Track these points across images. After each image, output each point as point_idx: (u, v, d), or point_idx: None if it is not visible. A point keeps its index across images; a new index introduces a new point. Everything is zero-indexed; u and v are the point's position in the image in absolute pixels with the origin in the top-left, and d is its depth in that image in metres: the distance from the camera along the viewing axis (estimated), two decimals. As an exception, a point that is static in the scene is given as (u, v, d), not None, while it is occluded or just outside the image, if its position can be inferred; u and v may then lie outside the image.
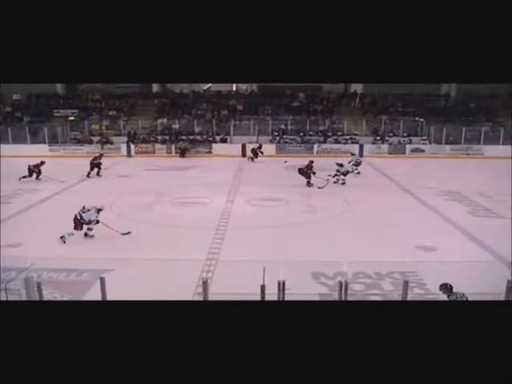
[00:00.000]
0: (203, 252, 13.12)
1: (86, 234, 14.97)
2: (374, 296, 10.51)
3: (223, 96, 41.98)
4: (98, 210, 14.95)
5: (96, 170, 25.65)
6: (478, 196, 21.14)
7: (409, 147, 35.49)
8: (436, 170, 29.08)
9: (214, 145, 35.20)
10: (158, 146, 35.10)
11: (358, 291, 10.68)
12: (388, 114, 39.12)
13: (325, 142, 36.05)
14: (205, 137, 36.32)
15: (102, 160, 25.97)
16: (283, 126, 37.51)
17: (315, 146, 35.30)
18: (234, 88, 44.34)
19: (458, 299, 8.32)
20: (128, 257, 12.62)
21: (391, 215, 17.58)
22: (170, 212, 18.19)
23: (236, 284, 9.91)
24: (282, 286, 7.87)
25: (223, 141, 36.22)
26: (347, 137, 36.52)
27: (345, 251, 12.85)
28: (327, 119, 38.50)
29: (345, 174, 24.00)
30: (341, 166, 24.20)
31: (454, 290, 8.40)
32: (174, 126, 37.50)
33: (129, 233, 14.91)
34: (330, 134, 36.95)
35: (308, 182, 23.42)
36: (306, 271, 11.52)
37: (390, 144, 35.87)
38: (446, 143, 35.81)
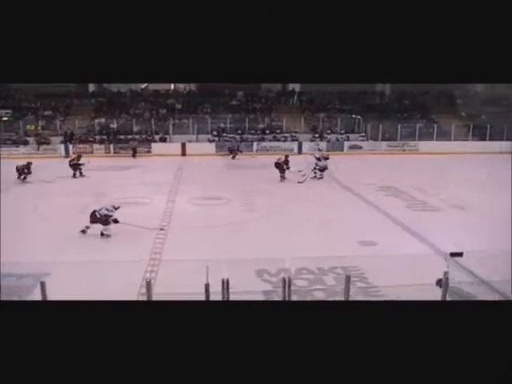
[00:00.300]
0: (146, 252, 13.01)
1: (102, 234, 14.81)
2: (318, 291, 10.65)
3: (161, 95, 41.65)
4: (115, 208, 14.92)
5: (78, 170, 25.39)
6: (415, 191, 21.66)
7: (347, 144, 36.07)
8: (374, 166, 29.61)
9: (153, 144, 34.90)
10: (96, 146, 34.56)
11: (302, 287, 10.79)
12: (326, 112, 39.61)
13: (264, 140, 36.21)
14: (144, 136, 35.96)
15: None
16: (222, 125, 37.50)
17: (254, 144, 35.46)
18: (172, 87, 44.01)
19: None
20: (68, 260, 12.39)
21: (332, 211, 17.81)
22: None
23: (180, 284, 9.84)
24: (226, 285, 7.87)
25: (163, 140, 35.95)
26: (286, 134, 36.79)
27: (287, 248, 12.93)
28: (266, 117, 38.68)
29: (322, 169, 24.52)
30: (319, 160, 24.86)
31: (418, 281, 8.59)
32: (111, 126, 36.95)
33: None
34: (268, 132, 37.13)
35: (282, 177, 23.96)
36: (249, 269, 11.54)
37: (329, 141, 36.37)
38: (382, 140, 36.60)
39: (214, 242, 13.92)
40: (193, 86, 43.17)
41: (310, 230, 15.30)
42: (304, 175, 23.46)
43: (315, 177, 24.56)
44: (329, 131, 37.65)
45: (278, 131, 37.13)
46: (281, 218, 17.07)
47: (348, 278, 8.50)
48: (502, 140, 36.71)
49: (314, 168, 24.60)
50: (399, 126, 36.95)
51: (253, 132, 37.23)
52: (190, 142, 34.84)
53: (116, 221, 14.75)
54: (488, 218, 17.43)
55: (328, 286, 10.99)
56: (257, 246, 13.50)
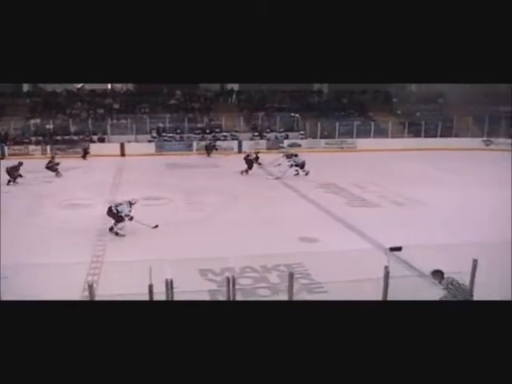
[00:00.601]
0: (87, 255, 12.81)
1: (116, 234, 14.82)
2: (262, 289, 10.71)
3: (98, 95, 40.96)
4: (131, 204, 14.89)
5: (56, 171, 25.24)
6: (354, 187, 22.02)
7: (286, 142, 36.28)
8: (313, 164, 29.86)
9: (91, 145, 34.31)
10: (32, 147, 33.68)
11: (246, 285, 10.84)
12: (264, 111, 39.76)
13: (204, 139, 36.09)
14: (81, 137, 35.29)
15: None
16: (161, 125, 37.17)
17: (194, 143, 35.33)
18: (109, 86, 43.36)
19: (450, 284, 8.62)
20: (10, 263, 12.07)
21: (273, 209, 17.94)
22: (51, 215, 17.62)
23: (123, 285, 9.75)
24: (170, 285, 7.84)
25: (101, 140, 35.39)
26: (226, 133, 36.79)
27: (230, 246, 12.98)
28: (205, 116, 38.57)
29: (301, 165, 24.95)
30: (295, 156, 25.38)
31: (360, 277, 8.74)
32: (47, 127, 36.11)
33: (156, 226, 15.12)
34: (208, 131, 37.03)
35: (246, 171, 25.32)
36: (193, 269, 11.52)
37: (268, 140, 36.53)
38: (321, 137, 37.00)
39: (156, 242, 13.82)
40: (130, 86, 42.62)
41: (252, 229, 15.36)
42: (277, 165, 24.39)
43: (297, 173, 25.02)
44: (268, 130, 37.80)
45: (217, 130, 37.08)
46: (223, 217, 17.08)
47: (291, 276, 8.57)
48: (436, 136, 37.69)
49: (292, 165, 24.93)
50: (337, 124, 37.43)
51: (193, 131, 37.02)
52: (129, 142, 34.43)
53: (131, 218, 14.84)
54: (426, 213, 17.89)
55: (272, 283, 11.07)
56: (200, 246, 13.47)
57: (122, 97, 41.05)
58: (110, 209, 14.95)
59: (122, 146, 33.88)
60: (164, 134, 36.32)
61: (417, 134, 37.95)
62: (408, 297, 8.21)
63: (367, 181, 23.11)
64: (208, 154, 33.63)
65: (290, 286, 8.47)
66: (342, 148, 36.36)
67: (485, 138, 37.90)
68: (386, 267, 8.58)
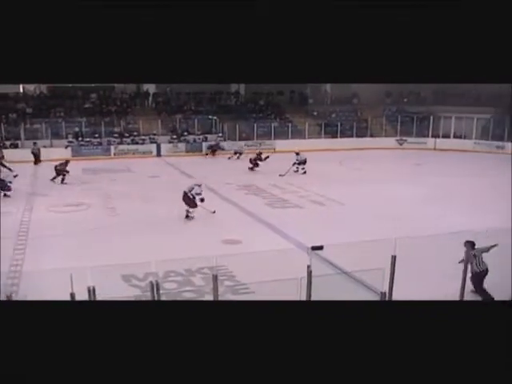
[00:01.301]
0: (4, 264, 12.39)
1: (187, 216, 16.79)
2: (187, 293, 10.68)
3: (10, 98, 39.56)
4: (199, 186, 16.63)
5: (61, 176, 24.55)
6: (274, 188, 22.26)
7: (205, 145, 36.22)
8: (233, 166, 30.04)
9: (4, 150, 33.06)
10: None
11: (171, 290, 10.77)
12: (182, 113, 39.55)
13: (121, 143, 35.56)
14: (-7, 143, 34.01)
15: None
16: (77, 129, 36.30)
17: (112, 147, 34.74)
18: (22, 90, 41.99)
19: (477, 253, 10.17)
20: None
21: (195, 212, 17.87)
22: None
23: (44, 295, 9.49)
24: (92, 292, 7.69)
25: (14, 146, 34.21)
26: (144, 137, 36.34)
27: (152, 251, 12.83)
28: (122, 120, 37.93)
29: (303, 162, 26.21)
30: (297, 154, 26.55)
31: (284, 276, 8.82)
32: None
33: (214, 212, 17.32)
34: (126, 134, 36.48)
35: (251, 169, 27.19)
36: (115, 275, 11.35)
37: (188, 142, 36.37)
38: (239, 139, 37.07)
39: (76, 249, 13.54)
40: (44, 89, 41.44)
41: (173, 231, 15.30)
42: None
43: (297, 171, 26.27)
44: (186, 133, 37.61)
45: (135, 134, 36.58)
46: (143, 221, 16.89)
47: (215, 278, 8.57)
48: (352, 137, 38.57)
49: (295, 163, 26.25)
50: (255, 126, 37.69)
51: (110, 135, 36.33)
52: (44, 147, 33.46)
53: (202, 199, 16.83)
54: (345, 212, 18.32)
55: (197, 286, 11.06)
56: (121, 251, 13.30)
57: (35, 100, 39.83)
58: (185, 194, 16.86)
59: (38, 151, 32.83)
60: (80, 139, 35.48)
61: (333, 135, 38.72)
62: (331, 294, 8.36)
63: (287, 182, 23.40)
64: (213, 154, 35.00)
65: (215, 289, 8.47)
66: (261, 149, 36.61)
67: (398, 138, 39.11)
68: (309, 266, 8.71)
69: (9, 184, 21.02)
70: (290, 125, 38.63)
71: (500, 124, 37.58)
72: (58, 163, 24.71)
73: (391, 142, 38.57)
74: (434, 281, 11.08)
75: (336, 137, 38.46)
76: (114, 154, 34.12)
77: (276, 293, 8.75)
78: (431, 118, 39.41)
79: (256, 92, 42.51)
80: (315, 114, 41.41)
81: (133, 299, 5.49)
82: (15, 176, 22.13)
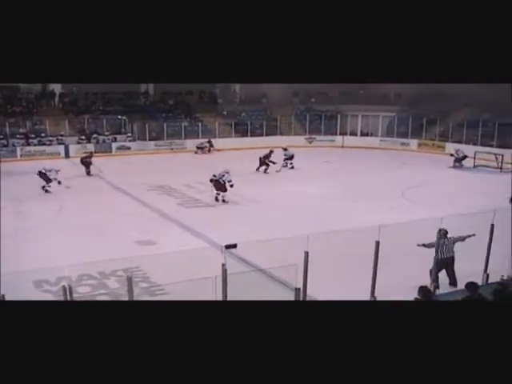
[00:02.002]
0: None
1: (223, 201, 19.13)
2: (102, 296, 10.52)
3: None
4: (227, 172, 18.29)
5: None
6: (187, 188, 22.22)
7: (114, 145, 35.68)
8: (144, 166, 29.73)
9: None
10: None
11: (85, 293, 10.59)
12: (90, 113, 38.70)
13: (28, 144, 34.39)
14: None
15: None
16: (-20, 131, 34.80)
17: (18, 149, 33.55)
18: None
19: (447, 242, 11.28)
20: None
21: (107, 214, 17.63)
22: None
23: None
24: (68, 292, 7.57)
25: None
26: (51, 138, 35.27)
27: (64, 255, 12.59)
28: (28, 120, 36.66)
29: (291, 157, 28.03)
30: (285, 149, 28.40)
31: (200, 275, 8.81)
32: None
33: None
34: (32, 135, 35.28)
35: (265, 170, 27.16)
36: (26, 281, 11.04)
37: (97, 142, 35.65)
38: (150, 139, 36.71)
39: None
40: None
41: (86, 235, 15.02)
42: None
43: (286, 166, 27.71)
44: (95, 133, 36.82)
45: (42, 135, 35.45)
46: (54, 225, 16.51)
47: (130, 280, 8.50)
48: (262, 136, 38.91)
49: (286, 159, 27.98)
50: (165, 126, 37.41)
51: (15, 136, 35.01)
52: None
53: (232, 185, 18.75)
54: (259, 210, 18.53)
55: (112, 289, 10.92)
56: (30, 256, 12.93)
57: None
58: (217, 181, 19.00)
59: None
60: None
61: (243, 134, 38.97)
62: (247, 292, 8.46)
63: (199, 181, 23.33)
64: (209, 151, 35.78)
65: (130, 291, 8.40)
66: (172, 149, 36.44)
67: (307, 136, 39.83)
68: (224, 265, 8.78)
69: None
70: (200, 124, 38.58)
71: (404, 122, 39.05)
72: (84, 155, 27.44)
73: (301, 140, 39.20)
74: (346, 276, 11.42)
75: (246, 136, 38.75)
76: (21, 156, 33.01)
77: (191, 293, 8.77)
78: (339, 116, 40.49)
79: (165, 92, 42.17)
80: (225, 113, 41.49)
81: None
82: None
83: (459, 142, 35.64)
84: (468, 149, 31.59)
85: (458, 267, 11.36)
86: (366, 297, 9.98)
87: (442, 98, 38.90)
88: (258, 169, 27.27)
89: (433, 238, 10.98)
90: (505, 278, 10.61)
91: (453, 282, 11.40)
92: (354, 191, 21.58)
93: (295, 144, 37.29)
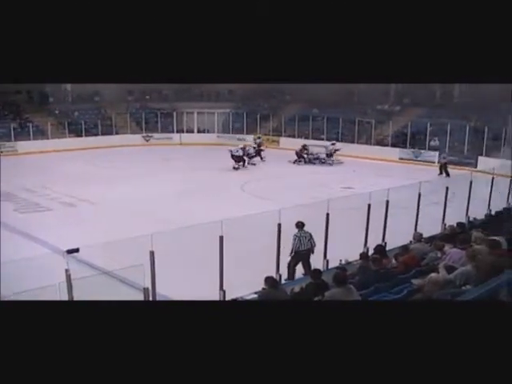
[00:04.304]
0: None
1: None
2: None
3: None
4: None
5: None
6: (24, 192, 21.28)
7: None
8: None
9: None
10: None
11: None
12: None
13: None
14: None
15: None
16: None
17: None
18: None
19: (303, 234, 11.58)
20: None
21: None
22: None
23: None
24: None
25: None
26: None
27: None
28: None
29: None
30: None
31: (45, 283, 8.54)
32: None
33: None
34: None
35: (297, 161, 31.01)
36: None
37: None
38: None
39: None
40: None
41: None
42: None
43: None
44: None
45: None
46: None
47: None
48: (97, 135, 38.06)
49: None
50: (-8, 128, 35.48)
51: None
52: None
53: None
54: (98, 211, 18.22)
55: None
56: None
57: None
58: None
59: None
60: None
61: (78, 134, 37.87)
62: (94, 296, 8.35)
63: (35, 184, 22.46)
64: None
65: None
66: (2, 152, 34.50)
67: (144, 134, 39.59)
68: (67, 270, 8.63)
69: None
70: (30, 125, 36.93)
71: (239, 118, 40.11)
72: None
73: (138, 138, 38.91)
74: (193, 272, 11.61)
75: (81, 135, 37.69)
76: None
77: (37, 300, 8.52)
78: (174, 113, 40.61)
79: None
80: (57, 112, 40.05)
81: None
82: None
83: (292, 136, 37.34)
84: (301, 142, 33.31)
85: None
86: (216, 291, 10.24)
87: (272, 94, 40.72)
88: (294, 162, 31.03)
89: (274, 230, 11.39)
90: (343, 262, 11.39)
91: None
92: (194, 188, 21.83)
93: (132, 143, 37.03)
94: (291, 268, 11.52)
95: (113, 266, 11.08)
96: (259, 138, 34.97)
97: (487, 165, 25.09)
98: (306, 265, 11.78)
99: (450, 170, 26.93)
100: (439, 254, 9.57)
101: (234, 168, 28.10)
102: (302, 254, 11.69)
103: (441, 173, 27.49)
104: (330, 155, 31.04)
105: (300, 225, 11.70)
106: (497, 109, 29.49)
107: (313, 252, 11.89)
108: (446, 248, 9.51)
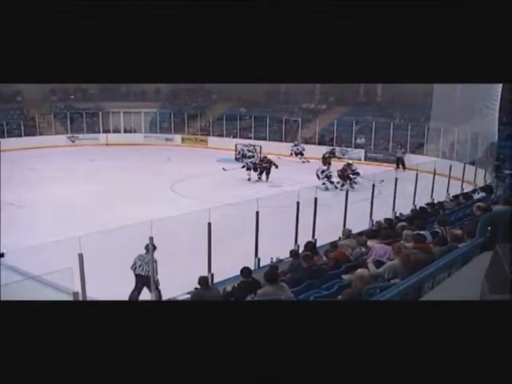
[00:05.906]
0: None
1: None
2: None
3: None
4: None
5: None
6: None
7: None
8: None
9: None
10: None
11: None
12: None
13: None
14: None
15: None
16: None
17: None
18: None
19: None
20: None
21: None
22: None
23: None
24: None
25: None
26: None
27: None
28: None
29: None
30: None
31: None
32: None
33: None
34: None
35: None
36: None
37: None
38: None
39: None
40: None
41: None
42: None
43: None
44: None
45: None
46: None
47: None
48: (21, 136, 37.13)
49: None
50: None
51: None
52: None
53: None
54: (24, 214, 17.81)
55: None
56: None
57: None
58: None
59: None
60: None
61: (0, 135, 36.73)
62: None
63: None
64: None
65: None
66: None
67: (70, 135, 38.82)
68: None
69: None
70: None
71: (166, 117, 39.92)
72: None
73: (63, 139, 38.13)
74: (124, 274, 11.51)
75: (3, 137, 36.53)
76: None
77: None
78: (100, 113, 40.00)
79: None
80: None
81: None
82: None
83: (220, 135, 37.44)
84: (231, 142, 33.54)
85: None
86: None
87: (199, 93, 40.67)
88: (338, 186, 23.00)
89: (204, 228, 11.41)
90: (274, 260, 11.55)
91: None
92: (122, 189, 21.61)
93: (57, 144, 36.29)
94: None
95: (41, 270, 10.87)
96: (296, 144, 32.95)
97: (412, 162, 25.97)
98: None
99: (374, 167, 27.59)
100: (363, 249, 9.91)
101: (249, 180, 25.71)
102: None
103: (397, 167, 27.96)
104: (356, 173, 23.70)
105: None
106: (419, 106, 30.49)
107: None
108: (370, 243, 9.90)
